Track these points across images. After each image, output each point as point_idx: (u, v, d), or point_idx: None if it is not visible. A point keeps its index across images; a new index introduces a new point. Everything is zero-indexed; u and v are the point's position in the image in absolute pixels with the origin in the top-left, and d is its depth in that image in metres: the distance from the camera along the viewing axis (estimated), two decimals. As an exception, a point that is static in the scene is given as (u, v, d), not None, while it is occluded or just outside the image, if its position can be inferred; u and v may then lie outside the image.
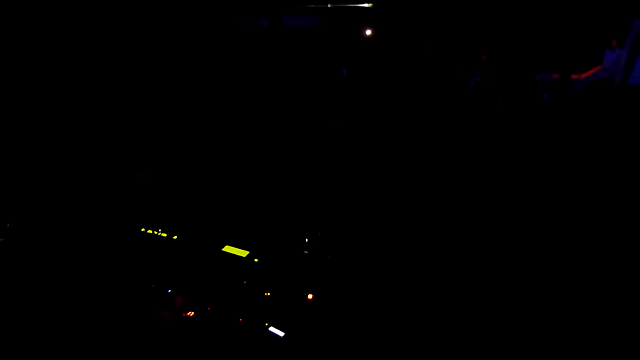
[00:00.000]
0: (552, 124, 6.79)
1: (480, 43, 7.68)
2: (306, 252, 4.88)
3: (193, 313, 4.17)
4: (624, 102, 6.95)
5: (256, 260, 4.78)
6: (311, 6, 7.73)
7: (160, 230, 5.43)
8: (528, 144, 6.42)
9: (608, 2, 7.10)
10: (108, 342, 3.94)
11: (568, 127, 6.57)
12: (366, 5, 7.30)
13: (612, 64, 7.20)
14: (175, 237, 5.29)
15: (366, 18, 7.53)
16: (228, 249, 5.00)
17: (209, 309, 4.22)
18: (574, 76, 7.60)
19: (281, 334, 3.87)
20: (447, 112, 7.26)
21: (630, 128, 6.29)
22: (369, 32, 7.60)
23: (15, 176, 6.35)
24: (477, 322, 3.93)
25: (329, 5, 7.58)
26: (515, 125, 6.91)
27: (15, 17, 6.44)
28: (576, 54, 7.54)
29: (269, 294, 4.30)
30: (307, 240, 5.07)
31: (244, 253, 4.89)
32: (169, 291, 4.45)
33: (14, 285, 4.63)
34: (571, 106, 7.16)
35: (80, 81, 7.13)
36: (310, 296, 4.23)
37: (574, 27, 7.46)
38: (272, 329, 3.92)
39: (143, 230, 5.48)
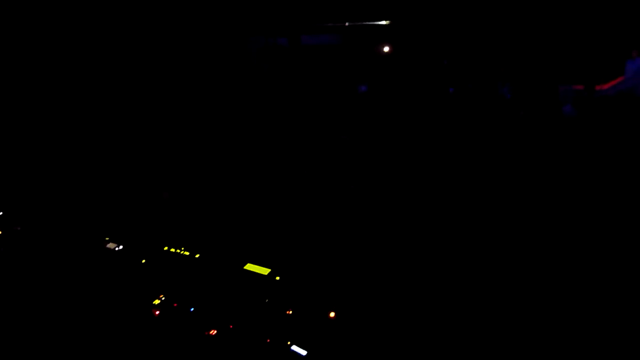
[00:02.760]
0: (578, 135, 6.71)
1: (499, 55, 7.66)
2: (328, 270, 4.87)
3: (215, 331, 4.19)
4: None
5: (277, 278, 4.79)
6: (329, 24, 7.82)
7: (182, 249, 5.49)
8: (550, 154, 6.35)
9: (628, 12, 7.03)
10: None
11: (595, 138, 6.48)
12: (383, 22, 7.36)
13: (633, 74, 7.11)
14: (197, 255, 5.34)
15: (383, 35, 7.58)
16: (249, 266, 5.02)
17: (231, 327, 4.22)
18: (597, 87, 7.53)
19: (303, 352, 3.85)
20: (464, 123, 7.23)
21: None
22: (386, 49, 7.65)
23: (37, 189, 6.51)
24: (504, 333, 3.86)
25: (347, 24, 7.66)
26: (537, 136, 6.84)
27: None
28: (597, 65, 7.47)
29: (290, 312, 4.29)
30: (328, 257, 5.07)
31: (265, 271, 4.90)
32: (191, 309, 4.48)
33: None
34: (598, 118, 7.07)
35: (105, 100, 7.32)
36: (332, 314, 4.21)
37: (595, 37, 7.40)
38: (294, 347, 3.91)
39: (166, 248, 5.55)
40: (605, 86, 7.49)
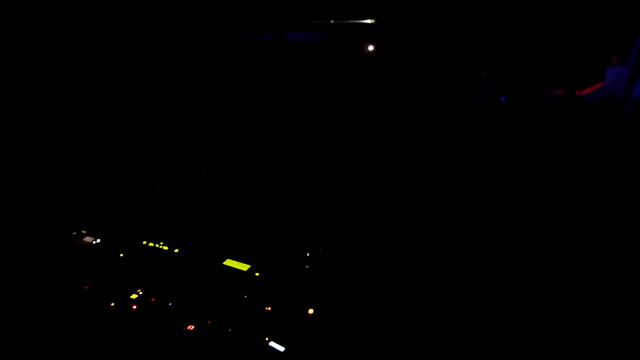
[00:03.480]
0: (557, 138, 6.81)
1: (481, 58, 7.74)
2: (307, 267, 4.87)
3: (193, 327, 4.16)
4: (628, 118, 6.99)
5: (257, 274, 4.77)
6: (314, 22, 7.81)
7: (161, 243, 5.44)
8: (533, 155, 6.44)
9: (609, 19, 7.17)
10: (104, 356, 3.92)
11: (573, 139, 6.59)
12: (368, 21, 7.38)
13: (613, 81, 7.25)
14: (177, 250, 5.29)
15: (368, 34, 7.60)
16: (229, 262, 5.00)
17: (209, 322, 4.20)
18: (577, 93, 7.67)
19: (281, 348, 3.85)
20: (450, 126, 7.30)
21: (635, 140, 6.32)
22: (371, 48, 7.67)
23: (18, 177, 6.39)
24: (479, 330, 3.90)
25: (332, 21, 7.66)
26: (521, 137, 6.93)
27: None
28: (577, 70, 7.60)
29: (269, 308, 4.29)
30: (308, 254, 5.07)
31: (244, 267, 4.88)
32: (169, 304, 4.44)
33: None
34: (577, 121, 7.19)
35: (88, 90, 7.21)
36: (310, 310, 4.21)
37: (575, 43, 7.53)
38: (272, 344, 3.90)
39: (144, 242, 5.49)
40: (585, 92, 7.63)
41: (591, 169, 6.09)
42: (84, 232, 5.72)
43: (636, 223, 5.18)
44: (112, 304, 4.48)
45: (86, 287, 4.73)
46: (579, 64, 7.71)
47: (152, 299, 4.52)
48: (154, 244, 5.42)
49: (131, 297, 4.56)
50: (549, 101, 7.54)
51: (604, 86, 7.52)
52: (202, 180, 6.72)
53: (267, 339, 3.94)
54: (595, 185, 5.83)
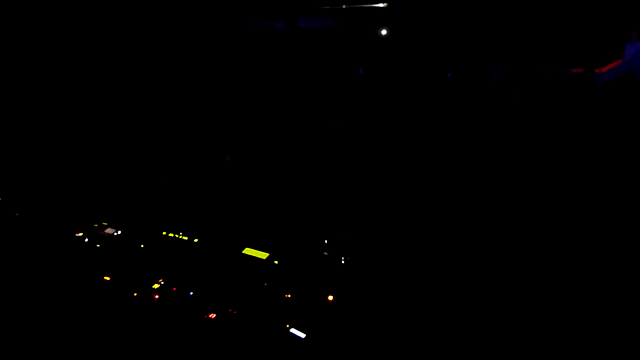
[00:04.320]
0: (576, 120, 6.68)
1: (494, 38, 7.59)
2: (326, 254, 4.89)
3: (215, 315, 4.22)
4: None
5: (276, 262, 4.81)
6: (326, 7, 7.74)
7: (181, 233, 5.50)
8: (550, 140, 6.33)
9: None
10: (127, 344, 4.00)
11: (591, 122, 6.46)
12: (380, 5, 7.28)
13: (633, 57, 7.06)
14: (196, 240, 5.35)
15: (381, 18, 7.51)
16: (248, 251, 5.04)
17: (230, 310, 4.25)
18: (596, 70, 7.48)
19: (302, 335, 3.89)
20: (462, 109, 7.20)
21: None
22: (383, 32, 7.58)
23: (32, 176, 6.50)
24: (491, 319, 3.90)
25: (344, 6, 7.58)
26: (536, 120, 6.81)
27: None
28: (596, 47, 7.42)
29: (289, 296, 4.33)
30: (326, 241, 5.09)
31: (263, 255, 4.92)
32: (190, 293, 4.51)
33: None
34: (594, 102, 7.04)
35: (99, 87, 7.26)
36: (330, 297, 4.24)
37: (594, 19, 7.34)
38: (293, 330, 3.94)
39: (164, 233, 5.56)
40: (604, 69, 7.45)
41: (610, 152, 5.97)
42: (105, 224, 5.81)
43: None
44: (135, 294, 4.56)
45: (109, 278, 4.82)
46: (597, 41, 7.52)
47: (174, 289, 4.59)
48: (174, 235, 5.49)
49: (153, 287, 4.64)
50: (566, 80, 7.37)
51: (624, 63, 7.33)
52: (226, 167, 6.75)
53: (287, 325, 3.98)
54: (612, 173, 5.71)
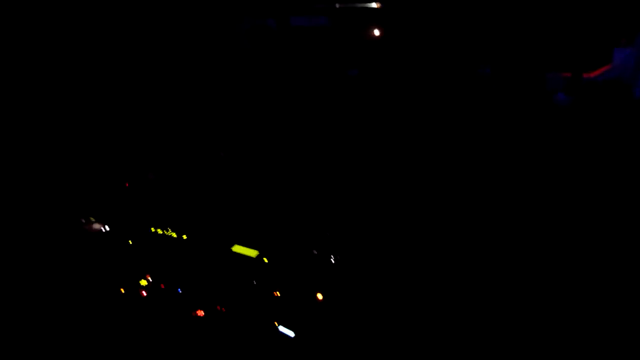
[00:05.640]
0: (572, 126, 6.72)
1: (484, 40, 7.63)
2: (315, 252, 4.89)
3: (203, 312, 4.20)
4: (637, 101, 6.89)
5: (265, 260, 4.79)
6: (319, 6, 7.73)
7: (169, 230, 5.46)
8: (544, 144, 6.37)
9: (618, -1, 7.04)
10: (114, 342, 3.97)
11: (588, 128, 6.51)
12: (374, 5, 7.30)
13: (621, 62, 7.14)
14: (185, 237, 5.32)
15: (374, 18, 7.52)
16: (237, 248, 5.02)
17: (218, 308, 4.24)
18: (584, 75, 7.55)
19: (291, 333, 3.88)
20: (452, 112, 7.24)
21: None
22: (377, 32, 7.60)
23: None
24: (483, 319, 3.92)
25: (337, 5, 7.58)
26: (526, 126, 6.86)
27: (16, 17, 6.49)
28: (584, 51, 7.49)
29: (278, 294, 4.31)
30: (316, 240, 5.08)
31: (253, 253, 4.90)
32: (179, 290, 4.48)
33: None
34: (590, 106, 7.09)
35: (86, 82, 7.19)
36: (320, 296, 4.24)
37: (582, 23, 7.40)
38: (281, 329, 3.94)
39: (152, 229, 5.51)
40: (593, 74, 7.53)
41: (600, 155, 6.04)
42: (92, 219, 5.75)
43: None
44: (122, 290, 4.52)
45: (96, 274, 4.77)
46: (585, 45, 7.59)
47: (162, 285, 4.56)
48: (162, 231, 5.45)
49: (141, 283, 4.60)
50: (560, 84, 7.43)
51: (612, 68, 7.41)
52: (218, 163, 6.71)
53: (276, 323, 3.97)
54: (603, 173, 5.77)
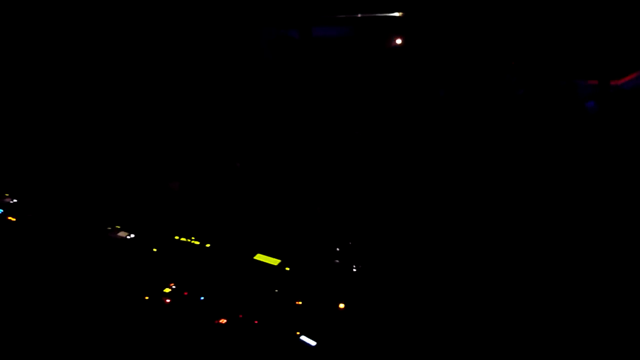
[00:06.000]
0: (603, 133, 6.59)
1: (509, 47, 7.55)
2: (337, 261, 4.88)
3: (225, 320, 4.21)
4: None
5: (287, 269, 4.80)
6: (341, 16, 7.78)
7: (193, 238, 5.52)
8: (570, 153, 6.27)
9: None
10: (138, 349, 4.01)
11: (618, 135, 6.37)
12: (396, 14, 7.30)
13: (650, 69, 6.99)
14: (208, 245, 5.37)
15: (396, 27, 7.53)
16: (259, 257, 5.04)
17: (240, 316, 4.25)
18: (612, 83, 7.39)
19: (313, 342, 3.87)
20: (483, 119, 7.16)
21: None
22: (399, 41, 7.59)
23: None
24: (507, 327, 3.86)
25: (359, 15, 7.61)
26: (556, 134, 6.75)
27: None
28: (612, 59, 7.35)
29: (300, 303, 4.31)
30: (338, 249, 5.08)
31: (275, 261, 4.92)
32: (202, 298, 4.51)
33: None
34: (619, 114, 6.94)
35: (114, 91, 7.34)
36: (341, 305, 4.22)
37: (609, 30, 7.27)
38: (303, 338, 3.92)
39: (176, 238, 5.58)
40: (620, 81, 7.38)
41: (630, 161, 5.91)
42: (118, 227, 5.85)
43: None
44: (147, 298, 4.58)
45: (121, 281, 4.84)
46: (613, 52, 7.44)
47: (185, 293, 4.60)
48: (186, 239, 5.51)
49: (164, 291, 4.65)
50: (589, 91, 7.28)
51: (639, 76, 7.26)
52: (236, 174, 6.78)
53: (298, 333, 3.97)
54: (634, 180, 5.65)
